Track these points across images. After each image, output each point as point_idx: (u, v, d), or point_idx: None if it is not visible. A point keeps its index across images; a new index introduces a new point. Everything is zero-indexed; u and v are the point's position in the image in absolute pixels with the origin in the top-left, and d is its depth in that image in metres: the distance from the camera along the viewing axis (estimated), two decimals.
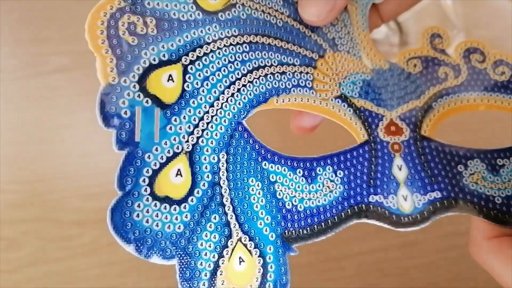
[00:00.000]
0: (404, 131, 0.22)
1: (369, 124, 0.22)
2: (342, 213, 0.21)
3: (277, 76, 0.20)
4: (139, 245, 0.16)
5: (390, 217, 0.21)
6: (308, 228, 0.20)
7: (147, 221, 0.17)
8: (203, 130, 0.18)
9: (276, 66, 0.21)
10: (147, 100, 0.17)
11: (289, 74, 0.21)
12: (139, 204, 0.17)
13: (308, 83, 0.21)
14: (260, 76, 0.20)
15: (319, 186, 0.21)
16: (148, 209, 0.17)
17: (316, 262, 0.36)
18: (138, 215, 0.17)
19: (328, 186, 0.21)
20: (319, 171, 0.21)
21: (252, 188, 0.19)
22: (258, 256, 0.19)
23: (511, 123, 0.29)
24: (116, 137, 0.16)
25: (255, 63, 0.20)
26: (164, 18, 0.18)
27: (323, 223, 0.20)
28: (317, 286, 0.35)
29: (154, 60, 0.17)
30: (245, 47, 0.20)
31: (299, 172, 0.21)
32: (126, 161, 0.17)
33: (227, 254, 0.18)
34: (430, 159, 0.22)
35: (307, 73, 0.21)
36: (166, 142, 0.17)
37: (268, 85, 0.20)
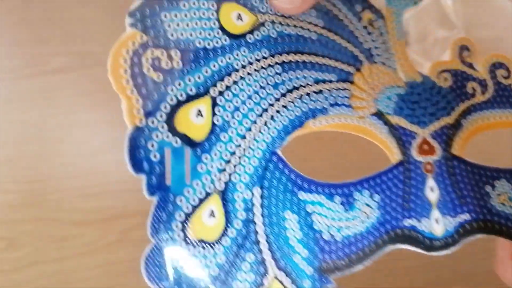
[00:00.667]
0: (436, 150, 0.22)
1: (403, 142, 0.21)
2: (379, 240, 0.20)
3: (313, 96, 0.19)
4: None
5: (423, 241, 0.20)
6: (346, 258, 0.19)
7: (182, 267, 0.16)
8: (235, 166, 0.17)
9: (311, 85, 0.19)
10: (177, 140, 0.16)
11: (325, 92, 0.20)
12: (173, 249, 0.16)
13: (346, 101, 0.20)
14: (294, 98, 0.19)
15: (356, 212, 0.20)
16: (182, 255, 0.16)
17: None
18: (173, 262, 0.16)
19: (365, 212, 0.20)
20: (357, 196, 0.20)
21: (288, 222, 0.18)
22: None
23: None
24: (146, 183, 0.16)
25: (288, 85, 0.19)
26: (189, 48, 0.17)
27: (360, 252, 0.20)
28: None
29: (181, 96, 0.17)
30: (277, 68, 0.19)
31: (337, 200, 0.19)
32: (158, 207, 0.16)
33: None
34: (460, 179, 0.22)
35: (344, 89, 0.20)
36: (197, 182, 0.17)
37: (304, 107, 0.19)
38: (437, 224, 0.21)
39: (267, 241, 0.18)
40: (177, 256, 0.16)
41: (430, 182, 0.21)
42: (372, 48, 0.21)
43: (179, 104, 0.17)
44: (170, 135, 0.16)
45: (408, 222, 0.21)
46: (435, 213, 0.21)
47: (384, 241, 0.20)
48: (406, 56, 0.22)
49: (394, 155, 0.21)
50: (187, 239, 0.16)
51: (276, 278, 0.18)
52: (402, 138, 0.21)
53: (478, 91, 0.23)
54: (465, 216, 0.21)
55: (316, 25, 0.20)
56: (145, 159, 0.16)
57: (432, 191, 0.21)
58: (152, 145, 0.16)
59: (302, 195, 0.19)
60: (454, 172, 0.22)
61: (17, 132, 0.39)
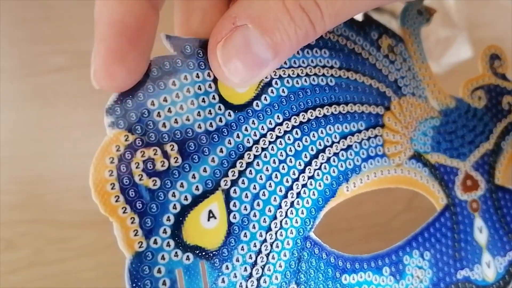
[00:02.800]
0: (479, 184, 0.19)
1: (446, 183, 0.18)
2: None
3: (342, 155, 0.16)
4: None
5: None
6: None
7: None
8: (263, 267, 0.14)
9: (338, 142, 0.16)
10: (188, 256, 0.13)
11: (355, 147, 0.16)
12: None
13: (379, 150, 0.17)
14: (321, 164, 0.15)
15: (408, 279, 0.17)
16: None
17: None
18: None
19: (417, 276, 0.17)
20: (406, 260, 0.17)
21: None
22: None
23: None
24: None
25: (312, 149, 0.15)
26: (187, 137, 0.13)
27: None
28: None
29: (186, 200, 0.13)
30: (296, 133, 0.15)
31: (386, 271, 0.17)
32: None
33: None
34: (506, 212, 0.19)
35: (375, 136, 0.17)
36: None
37: (333, 171, 0.16)
38: (488, 269, 0.19)
39: None
40: None
41: (478, 222, 0.19)
42: (398, 78, 0.18)
43: (185, 210, 0.13)
44: (179, 252, 0.13)
45: (461, 274, 0.18)
46: (486, 257, 0.19)
47: None
48: (435, 81, 0.19)
49: (439, 200, 0.18)
50: None
51: None
52: (444, 177, 0.18)
53: None
54: None
55: (331, 67, 0.16)
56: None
57: (480, 232, 0.19)
58: (159, 271, 0.13)
59: (346, 278, 0.16)
60: (500, 205, 0.19)
61: (15, 132, 0.39)
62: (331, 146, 0.16)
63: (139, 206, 0.13)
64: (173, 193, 0.13)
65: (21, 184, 0.37)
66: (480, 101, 0.20)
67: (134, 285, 0.12)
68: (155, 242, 0.13)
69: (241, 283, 0.14)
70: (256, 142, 0.15)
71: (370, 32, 0.18)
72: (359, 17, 0.18)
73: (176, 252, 0.13)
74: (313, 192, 0.15)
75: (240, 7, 0.13)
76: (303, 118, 0.16)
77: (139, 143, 0.13)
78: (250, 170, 0.14)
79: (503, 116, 0.20)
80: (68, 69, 0.40)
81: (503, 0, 0.39)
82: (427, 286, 0.18)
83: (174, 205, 0.13)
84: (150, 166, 0.13)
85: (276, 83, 0.15)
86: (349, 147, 0.16)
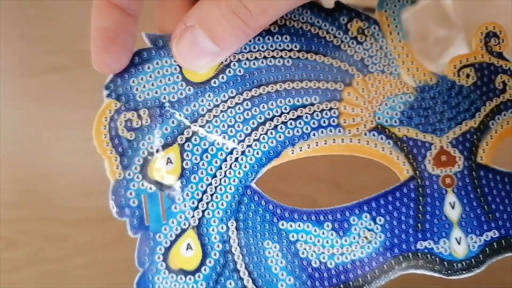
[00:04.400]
0: (457, 160, 0.19)
1: (415, 156, 0.19)
2: (384, 265, 0.19)
3: (290, 123, 0.19)
4: None
5: (441, 264, 0.19)
6: (342, 285, 0.19)
7: None
8: (207, 203, 0.18)
9: (287, 113, 0.19)
10: (151, 187, 0.18)
11: (306, 117, 0.19)
12: (158, 277, 0.18)
13: (333, 121, 0.19)
14: (267, 130, 0.19)
15: (354, 238, 0.19)
16: (166, 281, 0.18)
17: None
18: (159, 287, 0.18)
19: (365, 237, 0.19)
20: (353, 220, 0.19)
21: (269, 251, 0.19)
22: None
23: None
24: (129, 224, 0.18)
25: (260, 118, 0.19)
26: (155, 105, 0.18)
27: (360, 279, 0.19)
28: None
29: (152, 148, 0.18)
30: (246, 104, 0.19)
31: (327, 226, 0.19)
32: (141, 243, 0.18)
33: None
34: (487, 192, 0.19)
35: (330, 109, 0.19)
36: (173, 221, 0.18)
37: (279, 137, 0.19)
38: (458, 245, 0.19)
39: (246, 269, 0.18)
40: (162, 282, 0.18)
41: (451, 198, 0.19)
42: (365, 57, 0.19)
43: (150, 155, 0.18)
44: (145, 182, 0.18)
45: (422, 245, 0.19)
46: (457, 232, 0.19)
47: (391, 266, 0.19)
48: (414, 58, 0.20)
49: (404, 171, 0.19)
50: (169, 268, 0.18)
51: None
52: (412, 151, 0.19)
53: (510, 85, 0.20)
54: (492, 234, 0.19)
55: (291, 50, 0.19)
56: (126, 206, 0.18)
57: (452, 208, 0.19)
58: (131, 194, 0.18)
59: (283, 224, 0.19)
60: (480, 183, 0.19)
61: (15, 130, 0.39)
62: (279, 116, 0.19)
63: (120, 150, 0.18)
64: (143, 143, 0.18)
65: (20, 183, 0.37)
66: (469, 79, 0.20)
67: (113, 201, 0.18)
68: (129, 174, 0.18)
69: (189, 211, 0.18)
70: (209, 110, 0.19)
71: (339, 17, 0.20)
72: (330, 4, 0.20)
73: (143, 183, 0.18)
74: (257, 151, 0.19)
75: (191, 11, 0.18)
76: (255, 93, 0.19)
77: (123, 108, 0.18)
78: (202, 131, 0.19)
79: (495, 95, 0.20)
80: (68, 69, 0.41)
81: (502, 0, 0.39)
82: (376, 248, 0.19)
83: (143, 151, 0.18)
84: (129, 124, 0.18)
85: (234, 65, 0.19)
86: (299, 117, 0.19)
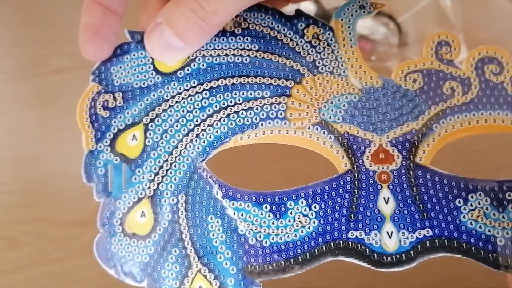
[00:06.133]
0: (395, 159, 0.20)
1: (353, 151, 0.20)
2: (315, 250, 0.20)
3: (242, 113, 0.21)
4: (117, 270, 0.21)
5: (370, 255, 0.20)
6: (274, 264, 0.20)
7: (121, 252, 0.21)
8: (163, 177, 0.21)
9: (240, 104, 0.21)
10: (117, 159, 0.21)
11: (256, 109, 0.21)
12: (114, 239, 0.21)
13: (280, 114, 0.21)
14: (221, 117, 0.21)
15: (289, 221, 0.20)
16: (121, 243, 0.21)
17: None
18: (115, 248, 0.21)
19: (300, 221, 0.20)
20: (290, 205, 0.20)
21: (211, 225, 0.20)
22: (218, 287, 0.20)
23: None
24: (95, 190, 0.21)
25: (215, 106, 0.21)
26: (128, 89, 0.21)
27: (292, 260, 0.20)
28: (315, 286, 0.35)
29: (121, 126, 0.21)
30: (205, 94, 0.21)
31: (266, 207, 0.20)
32: (103, 208, 0.21)
33: (187, 282, 0.20)
34: (423, 191, 0.20)
35: (279, 103, 0.21)
36: (132, 190, 0.21)
37: (231, 124, 0.21)
38: (389, 239, 0.20)
39: (190, 239, 0.21)
40: (117, 244, 0.21)
41: (385, 193, 0.20)
42: (317, 59, 0.21)
43: (119, 132, 0.21)
44: (112, 155, 0.21)
45: (353, 234, 0.20)
46: (389, 227, 0.20)
47: (322, 252, 0.20)
48: (362, 62, 0.21)
49: (342, 164, 0.21)
50: (124, 232, 0.21)
51: (199, 271, 0.20)
52: (352, 146, 0.21)
53: (459, 91, 0.20)
54: (426, 232, 0.20)
55: (250, 49, 0.21)
56: (94, 173, 0.21)
57: (386, 203, 0.20)
58: (99, 163, 0.21)
59: (226, 202, 0.21)
60: (417, 183, 0.20)
61: (17, 132, 0.39)
62: (233, 106, 0.21)
63: (96, 125, 0.21)
64: (115, 121, 0.21)
65: (23, 184, 0.37)
66: (415, 84, 0.21)
67: (85, 167, 0.21)
68: (100, 147, 0.21)
69: (146, 183, 0.21)
70: (173, 97, 0.21)
71: (297, 23, 0.22)
72: (292, 12, 0.22)
73: (110, 155, 0.21)
74: (210, 136, 0.21)
75: (161, 10, 0.20)
76: (214, 84, 0.21)
77: (102, 91, 0.22)
78: (165, 114, 0.21)
79: (442, 100, 0.21)
80: (70, 71, 0.41)
81: (501, 1, 0.39)
82: (309, 232, 0.20)
83: (114, 128, 0.21)
84: (105, 104, 0.21)
85: (198, 59, 0.22)
86: (250, 108, 0.21)
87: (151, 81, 0.21)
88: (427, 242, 0.20)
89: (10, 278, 0.35)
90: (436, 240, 0.20)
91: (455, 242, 0.20)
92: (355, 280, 0.36)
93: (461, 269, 0.36)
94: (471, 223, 0.20)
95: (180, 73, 0.21)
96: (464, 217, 0.20)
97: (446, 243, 0.20)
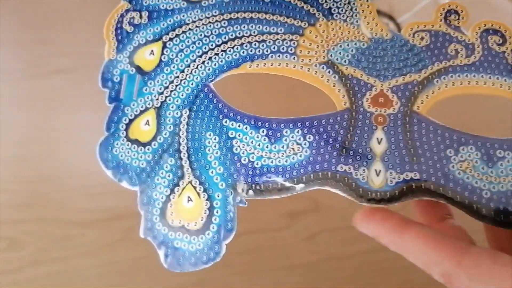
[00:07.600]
0: (393, 104, 0.21)
1: (355, 92, 0.22)
2: (304, 177, 0.21)
3: (255, 44, 0.22)
4: (115, 171, 0.22)
5: (356, 189, 0.20)
6: (262, 185, 0.21)
7: (121, 155, 0.22)
8: (171, 91, 0.22)
9: (255, 36, 0.22)
10: (132, 69, 0.23)
11: (269, 42, 0.22)
12: (117, 142, 0.22)
13: (291, 49, 0.22)
14: (235, 45, 0.22)
15: (282, 147, 0.21)
16: (123, 147, 0.22)
17: (316, 262, 0.36)
18: (116, 150, 0.22)
19: (293, 148, 0.21)
20: (286, 132, 0.21)
21: (209, 141, 0.22)
22: (206, 200, 0.21)
23: None
24: (108, 95, 0.22)
25: (231, 35, 0.23)
26: (154, 10, 0.23)
27: (279, 183, 0.21)
28: (317, 286, 0.35)
29: (142, 41, 0.23)
30: (224, 23, 0.23)
31: (262, 132, 0.22)
32: (112, 112, 0.22)
33: (177, 191, 0.22)
34: (416, 137, 0.21)
35: (291, 40, 0.22)
36: (141, 99, 0.22)
37: (243, 52, 0.22)
38: (376, 176, 0.21)
39: (187, 152, 0.22)
40: (119, 147, 0.22)
41: (379, 134, 0.21)
42: (333, 7, 0.23)
43: (139, 46, 0.23)
44: (129, 65, 0.23)
45: (342, 168, 0.21)
46: (377, 165, 0.21)
47: (309, 180, 0.21)
48: (375, 16, 0.23)
49: (342, 103, 0.22)
50: (127, 137, 0.22)
51: (190, 183, 0.22)
52: (354, 87, 0.22)
53: (462, 53, 0.22)
54: (413, 175, 0.20)
55: None
56: (110, 80, 0.23)
57: (379, 143, 0.21)
58: (116, 71, 0.23)
59: (226, 122, 0.22)
60: (412, 129, 0.21)
61: (19, 132, 0.39)
62: (248, 36, 0.23)
63: (119, 38, 0.23)
64: (137, 36, 0.23)
65: (24, 184, 0.37)
66: (422, 41, 0.22)
67: (103, 73, 0.23)
68: (120, 57, 0.23)
69: (155, 95, 0.22)
70: (194, 21, 0.23)
71: None
72: None
73: (127, 65, 0.23)
74: (221, 60, 0.22)
75: None
76: (233, 16, 0.23)
77: (131, 9, 0.23)
78: (183, 35, 0.23)
79: (445, 58, 0.22)
80: (72, 71, 0.41)
81: (501, 1, 0.39)
82: (300, 160, 0.21)
83: (135, 42, 0.23)
84: (131, 21, 0.23)
85: None
86: (263, 41, 0.22)
87: (176, 5, 0.23)
88: (413, 184, 0.20)
89: (11, 277, 0.34)
90: (423, 184, 0.20)
91: (441, 188, 0.20)
92: (359, 280, 0.36)
93: None
94: (459, 173, 0.20)
95: (205, 3, 0.23)
96: (453, 166, 0.20)
97: (432, 188, 0.20)
